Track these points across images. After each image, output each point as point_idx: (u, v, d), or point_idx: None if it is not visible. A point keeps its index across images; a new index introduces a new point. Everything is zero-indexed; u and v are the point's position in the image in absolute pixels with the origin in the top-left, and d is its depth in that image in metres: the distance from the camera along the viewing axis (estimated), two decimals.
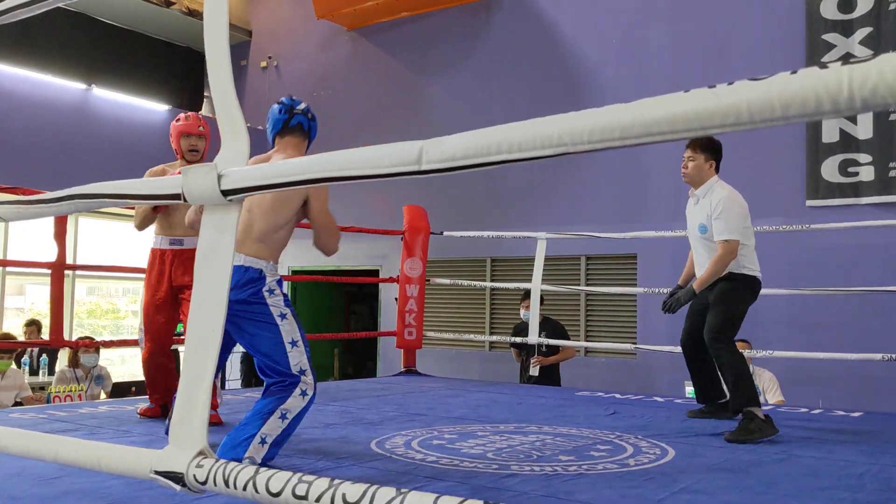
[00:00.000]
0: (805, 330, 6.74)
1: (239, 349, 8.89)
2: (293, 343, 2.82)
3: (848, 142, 7.01)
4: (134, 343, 4.70)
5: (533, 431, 3.81)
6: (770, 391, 5.68)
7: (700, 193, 4.01)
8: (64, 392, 6.19)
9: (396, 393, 5.39)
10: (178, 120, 4.15)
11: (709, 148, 3.98)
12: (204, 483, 1.40)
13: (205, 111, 11.37)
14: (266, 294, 2.83)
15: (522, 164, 1.13)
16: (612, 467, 2.98)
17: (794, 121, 0.91)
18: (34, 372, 8.00)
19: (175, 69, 11.23)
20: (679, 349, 5.78)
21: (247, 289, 2.80)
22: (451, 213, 8.70)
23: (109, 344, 6.09)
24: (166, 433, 3.06)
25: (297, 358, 2.82)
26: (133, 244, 4.91)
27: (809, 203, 7.10)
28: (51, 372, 7.85)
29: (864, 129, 6.94)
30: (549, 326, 6.81)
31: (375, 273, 9.94)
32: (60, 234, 4.70)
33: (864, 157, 6.93)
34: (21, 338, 8.04)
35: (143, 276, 4.18)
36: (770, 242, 5.91)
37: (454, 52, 9.63)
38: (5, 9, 1.95)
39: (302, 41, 11.09)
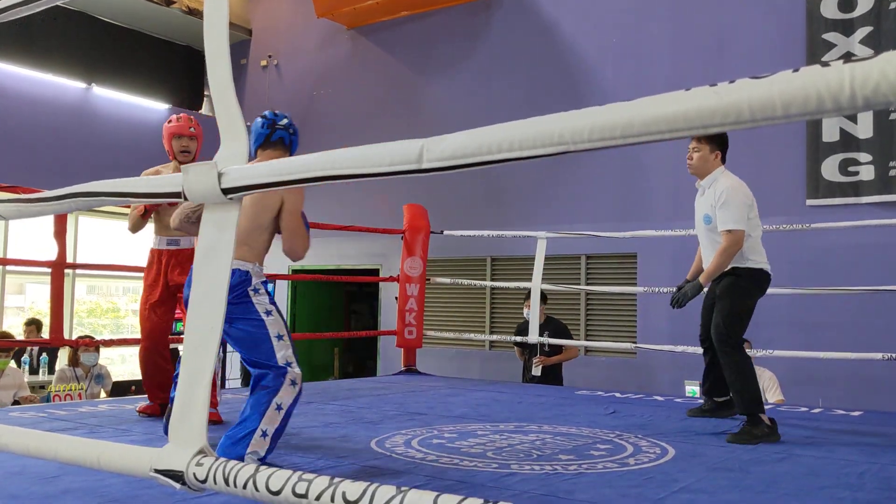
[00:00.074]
0: (805, 329, 6.74)
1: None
2: (279, 337, 2.86)
3: (848, 141, 7.01)
4: (134, 342, 4.70)
5: (533, 430, 3.81)
6: (770, 390, 5.68)
7: (706, 184, 3.95)
8: (64, 391, 6.19)
9: (396, 392, 5.39)
10: (169, 121, 4.23)
11: (714, 138, 3.91)
12: (204, 481, 1.40)
13: (205, 110, 11.37)
14: (251, 293, 2.89)
15: (523, 162, 1.13)
16: (612, 466, 2.98)
17: (795, 119, 0.90)
18: (34, 371, 8.00)
19: (175, 68, 11.23)
20: (679, 348, 5.82)
21: (234, 290, 2.84)
22: (452, 212, 8.70)
23: (109, 343, 6.09)
24: (165, 432, 3.09)
25: (284, 350, 2.84)
26: (133, 243, 4.92)
27: (809, 202, 7.10)
28: (51, 371, 7.85)
29: (864, 128, 6.93)
30: (553, 326, 6.80)
31: (376, 272, 9.94)
32: (60, 233, 4.70)
33: (864, 157, 6.93)
34: (21, 337, 8.04)
35: (143, 275, 4.21)
36: (770, 242, 5.87)
37: (454, 51, 9.62)
38: (4, 7, 1.94)
39: (302, 40, 11.08)
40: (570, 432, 3.76)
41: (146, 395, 4.20)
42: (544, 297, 6.90)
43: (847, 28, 7.08)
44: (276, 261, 11.01)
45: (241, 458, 2.68)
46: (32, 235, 9.53)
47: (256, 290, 2.91)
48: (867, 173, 6.90)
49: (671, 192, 7.83)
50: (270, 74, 11.35)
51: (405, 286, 6.68)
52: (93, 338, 6.99)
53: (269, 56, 11.35)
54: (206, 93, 11.56)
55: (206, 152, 3.72)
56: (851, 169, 6.97)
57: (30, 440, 1.73)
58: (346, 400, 4.93)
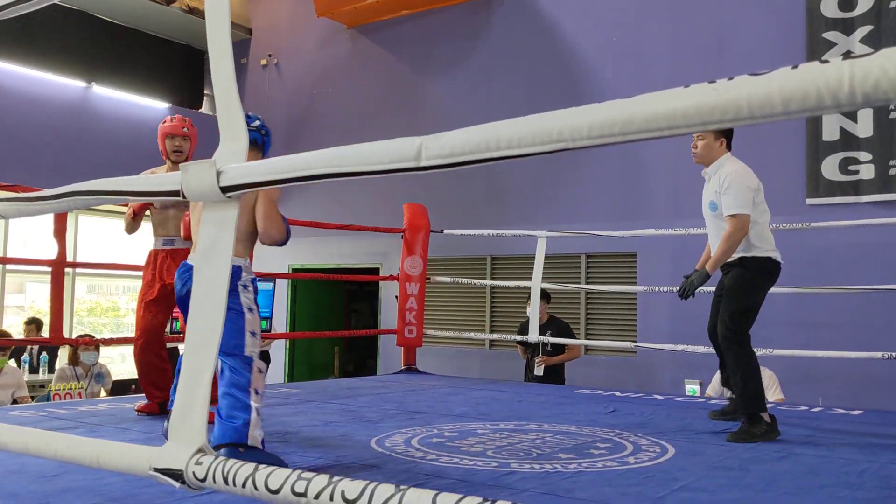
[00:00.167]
0: (805, 328, 6.74)
1: None
2: (253, 334, 2.95)
3: (848, 140, 7.01)
4: (133, 341, 4.70)
5: (533, 429, 3.81)
6: (770, 389, 5.68)
7: (711, 171, 3.88)
8: (64, 390, 6.19)
9: (397, 391, 5.39)
10: (164, 122, 4.31)
11: None
12: (203, 480, 1.40)
13: (204, 109, 11.38)
14: (241, 288, 2.99)
15: (522, 161, 1.13)
16: (612, 465, 2.98)
17: (794, 116, 0.90)
18: (34, 370, 8.00)
19: (175, 67, 11.23)
20: (679, 347, 5.82)
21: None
22: (452, 211, 8.70)
23: (109, 342, 6.10)
24: (165, 435, 3.09)
25: (252, 347, 2.94)
26: (133, 242, 4.92)
27: (809, 201, 7.10)
28: (51, 370, 7.85)
29: (864, 127, 6.93)
30: (556, 326, 6.80)
31: (376, 271, 9.94)
32: (60, 232, 4.70)
33: (864, 156, 6.93)
34: (21, 336, 8.04)
35: (142, 274, 4.25)
36: None
37: (454, 50, 9.62)
38: (4, 4, 1.94)
39: (302, 39, 11.08)
40: (570, 431, 3.76)
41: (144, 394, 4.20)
42: (547, 296, 6.90)
43: (847, 27, 7.08)
44: (277, 260, 11.04)
45: (243, 442, 2.76)
46: (32, 234, 9.53)
47: (245, 287, 3.01)
48: (867, 172, 6.90)
49: (671, 191, 7.83)
50: (270, 73, 11.34)
51: (405, 285, 6.68)
52: (93, 337, 6.99)
53: (270, 55, 11.35)
54: (205, 92, 11.56)
55: (207, 151, 3.75)
56: (851, 168, 6.97)
57: (29, 439, 1.73)
58: (347, 399, 4.93)
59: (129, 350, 10.65)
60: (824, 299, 6.54)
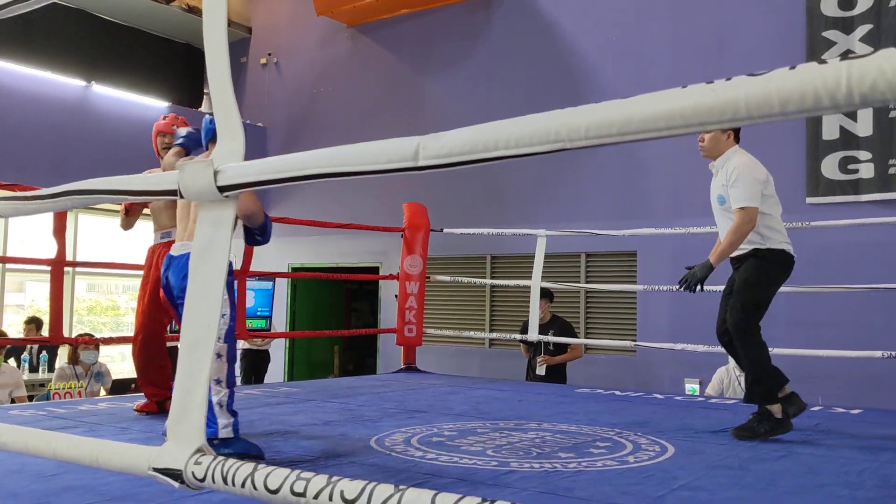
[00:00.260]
0: (805, 327, 6.74)
1: (237, 346, 8.88)
2: (222, 315, 3.01)
3: (848, 139, 7.00)
4: (133, 340, 4.70)
5: (532, 428, 3.81)
6: None
7: (718, 164, 3.80)
8: (64, 389, 6.19)
9: (396, 390, 5.39)
10: (157, 122, 4.39)
11: None
12: (202, 480, 1.40)
13: (204, 108, 11.37)
14: None
15: (522, 160, 1.13)
16: (612, 464, 2.98)
17: (792, 116, 0.90)
18: (34, 369, 8.01)
19: (174, 66, 11.23)
20: (679, 346, 5.82)
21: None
22: (452, 210, 8.70)
23: (109, 341, 6.09)
24: (165, 435, 3.11)
25: (221, 328, 3.03)
26: (133, 241, 4.93)
27: (809, 200, 7.10)
28: (51, 369, 7.85)
29: (864, 126, 6.93)
30: (558, 325, 6.80)
31: (375, 270, 9.94)
32: (60, 231, 4.70)
33: (864, 155, 6.92)
34: (21, 335, 8.04)
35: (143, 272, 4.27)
36: None
37: (454, 49, 9.62)
38: (4, 3, 1.94)
39: (302, 38, 11.08)
40: (570, 430, 3.76)
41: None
42: (551, 295, 6.90)
43: (847, 26, 7.08)
44: (277, 259, 11.04)
45: (215, 435, 2.87)
46: (31, 233, 9.54)
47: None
48: (867, 171, 6.90)
49: (671, 190, 7.83)
50: (270, 72, 11.34)
51: (405, 284, 6.68)
52: (92, 336, 6.99)
53: (269, 54, 11.35)
54: (205, 90, 11.56)
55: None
56: (851, 167, 6.97)
57: (29, 438, 1.73)
58: (346, 398, 4.93)
59: (128, 349, 10.64)
60: (824, 298, 6.54)
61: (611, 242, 7.79)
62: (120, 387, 7.17)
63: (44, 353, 8.09)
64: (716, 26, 7.81)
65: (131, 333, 4.37)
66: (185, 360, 1.49)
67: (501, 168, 8.29)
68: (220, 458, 1.40)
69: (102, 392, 6.79)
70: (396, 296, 6.81)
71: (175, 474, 1.43)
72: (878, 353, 5.08)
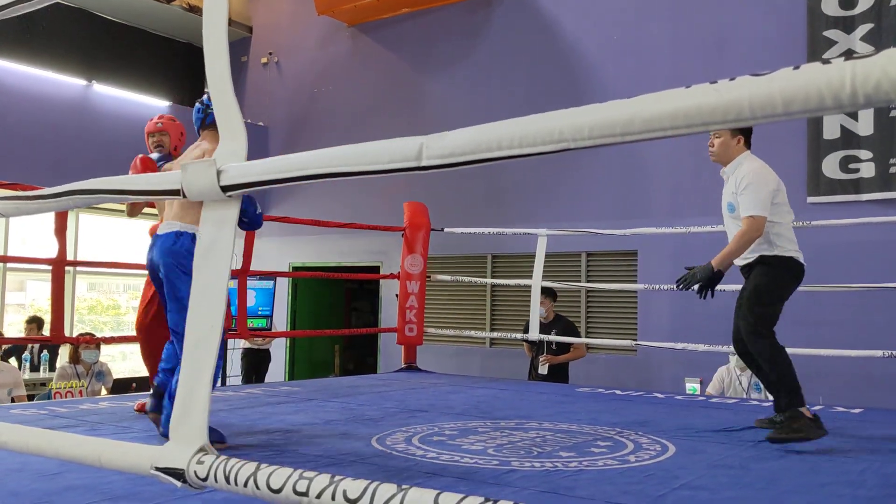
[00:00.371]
0: (806, 326, 6.73)
1: (237, 345, 8.88)
2: None
3: (849, 138, 7.00)
4: (134, 339, 4.71)
5: (533, 427, 3.81)
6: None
7: (729, 171, 3.70)
8: (65, 388, 6.20)
9: (397, 389, 5.39)
10: None
11: None
12: (205, 479, 1.40)
13: None
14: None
15: (523, 160, 1.13)
16: (613, 463, 2.98)
17: (796, 116, 0.90)
18: (35, 368, 8.01)
19: (175, 65, 11.23)
20: (680, 345, 5.82)
21: (180, 250, 3.32)
22: (452, 209, 8.70)
23: (110, 340, 6.09)
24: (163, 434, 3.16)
25: None
26: (134, 240, 4.94)
27: (810, 200, 7.10)
28: (52, 368, 7.86)
29: (864, 125, 6.93)
30: (561, 324, 6.79)
31: (376, 269, 9.95)
32: (61, 231, 4.70)
33: (864, 154, 6.93)
34: (22, 335, 8.04)
35: (144, 272, 4.25)
36: None
37: (454, 48, 9.62)
38: (5, 3, 1.94)
39: (302, 37, 11.08)
40: (571, 429, 3.76)
41: (145, 394, 4.20)
42: (554, 294, 6.90)
43: (848, 25, 7.08)
44: (278, 259, 11.03)
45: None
46: (32, 233, 9.54)
47: None
48: (868, 170, 6.90)
49: (671, 190, 7.83)
50: (271, 72, 11.34)
51: (406, 283, 6.68)
52: (93, 335, 6.99)
53: (270, 53, 11.34)
54: (206, 90, 11.55)
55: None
56: (852, 166, 6.97)
57: (31, 437, 1.73)
58: (347, 397, 4.93)
59: (129, 348, 10.66)
60: (825, 297, 6.54)
61: (611, 242, 7.80)
62: (121, 386, 7.17)
63: (45, 352, 8.09)
64: (716, 26, 7.81)
65: (132, 333, 4.37)
66: (188, 361, 1.49)
67: (502, 167, 8.30)
68: (223, 457, 1.40)
69: (103, 391, 6.79)
70: (397, 295, 6.81)
71: (177, 474, 1.44)
72: (879, 353, 5.08)
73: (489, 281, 8.16)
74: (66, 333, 6.24)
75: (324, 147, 1.41)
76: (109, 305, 11.60)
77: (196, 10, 10.58)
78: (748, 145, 3.73)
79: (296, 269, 10.43)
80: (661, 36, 8.11)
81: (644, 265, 7.98)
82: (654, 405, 4.75)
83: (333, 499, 1.21)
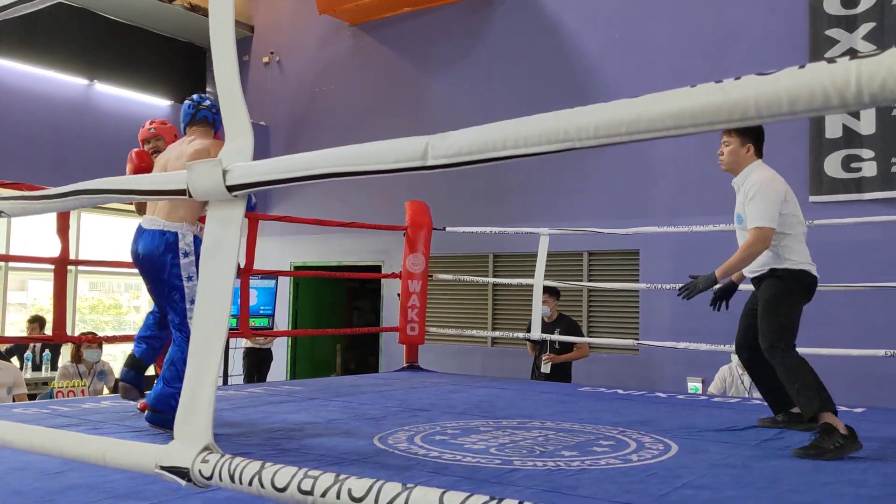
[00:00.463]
0: (807, 326, 6.68)
1: (239, 345, 8.89)
2: (193, 301, 3.32)
3: (851, 137, 7.00)
4: None
5: (536, 427, 3.81)
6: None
7: (739, 181, 3.62)
8: (67, 387, 6.20)
9: (399, 388, 5.39)
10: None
11: (744, 130, 3.51)
12: (209, 478, 1.40)
13: None
14: (181, 256, 3.39)
15: (525, 159, 1.13)
16: (615, 463, 2.99)
17: (801, 116, 0.90)
18: (37, 367, 8.02)
19: (177, 64, 11.23)
20: (682, 345, 5.82)
21: (165, 251, 3.40)
22: (454, 208, 8.70)
23: (112, 339, 6.10)
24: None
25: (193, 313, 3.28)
26: None
27: (812, 199, 7.09)
28: (53, 367, 7.86)
29: (866, 124, 6.93)
30: (565, 324, 6.79)
31: (378, 269, 9.95)
32: (63, 230, 4.70)
33: (866, 153, 6.92)
34: (24, 334, 8.05)
35: None
36: None
37: (456, 48, 9.62)
38: (7, 4, 1.94)
39: (303, 37, 11.08)
40: (573, 429, 3.77)
41: (148, 393, 4.20)
42: (558, 293, 6.90)
43: (850, 24, 7.07)
44: (280, 258, 11.02)
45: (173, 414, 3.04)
46: (33, 232, 9.54)
47: (186, 254, 3.40)
48: (869, 170, 6.90)
49: (673, 189, 7.83)
50: (272, 71, 11.34)
51: (407, 282, 6.68)
52: (95, 334, 7.00)
53: (271, 53, 11.35)
54: (207, 89, 11.56)
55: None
56: (854, 165, 6.97)
57: (35, 436, 1.73)
58: (349, 396, 4.93)
59: (131, 347, 10.66)
60: (826, 297, 6.50)
61: (613, 241, 7.80)
62: None
63: (47, 351, 8.10)
64: (718, 25, 7.80)
65: (134, 332, 4.38)
66: (193, 360, 1.50)
67: (504, 166, 8.30)
68: (228, 456, 1.40)
69: (105, 390, 6.80)
70: (399, 294, 6.82)
71: (182, 472, 1.44)
72: (881, 352, 5.08)
73: (491, 280, 8.16)
74: (68, 333, 6.25)
75: (325, 146, 1.41)
76: (111, 305, 11.60)
77: (197, 10, 10.58)
78: (759, 154, 3.65)
79: (297, 268, 10.44)
80: (663, 35, 8.11)
81: (646, 264, 7.98)
82: (656, 404, 4.75)
83: (338, 497, 1.21)
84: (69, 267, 5.11)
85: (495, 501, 1.09)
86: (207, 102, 3.78)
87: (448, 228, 6.96)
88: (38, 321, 8.01)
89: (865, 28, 6.99)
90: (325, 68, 10.81)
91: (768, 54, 7.29)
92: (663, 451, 3.23)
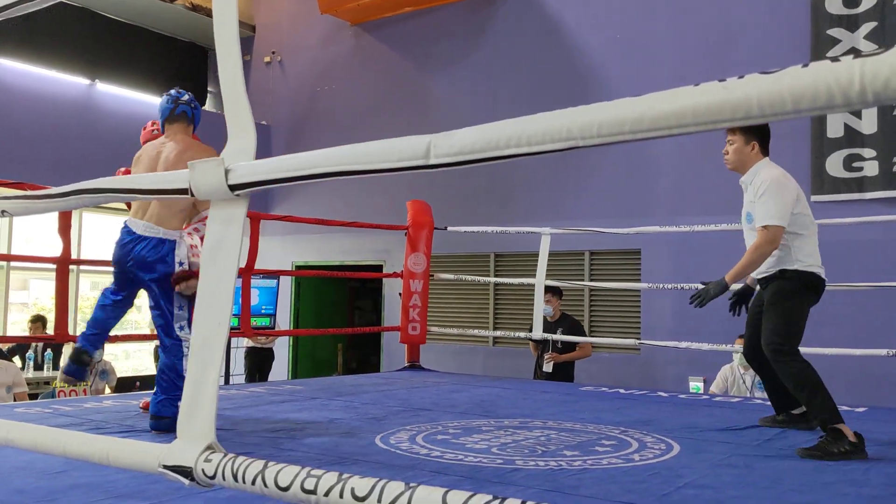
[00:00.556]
0: (808, 325, 6.71)
1: (241, 344, 8.89)
2: (181, 307, 3.41)
3: (852, 137, 7.00)
4: (137, 338, 4.72)
5: (538, 426, 3.81)
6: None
7: (747, 180, 3.55)
8: (69, 387, 6.20)
9: (400, 388, 5.39)
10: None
11: (748, 128, 3.44)
12: (213, 477, 1.40)
13: (208, 106, 11.38)
14: (178, 266, 3.43)
15: (526, 158, 1.13)
16: (617, 462, 2.98)
17: (804, 114, 0.90)
18: (39, 367, 8.02)
19: (178, 64, 11.24)
20: (683, 344, 5.81)
21: (164, 259, 3.43)
22: (455, 208, 8.70)
23: (113, 339, 6.10)
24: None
25: (181, 321, 3.41)
26: None
27: (814, 198, 7.08)
28: (55, 367, 7.87)
29: (868, 123, 6.92)
30: (567, 323, 6.79)
31: (379, 268, 9.95)
32: (65, 230, 4.71)
33: (868, 152, 6.92)
34: (26, 333, 8.06)
35: None
36: None
37: (457, 47, 9.62)
38: (8, 3, 1.95)
39: (305, 36, 11.08)
40: (575, 428, 3.76)
41: (150, 392, 4.20)
42: (560, 292, 6.90)
43: (851, 24, 7.07)
44: (281, 257, 11.02)
45: (174, 416, 3.10)
46: (35, 232, 9.55)
47: (182, 263, 3.43)
48: (871, 169, 6.89)
49: (675, 188, 7.83)
50: (274, 71, 11.35)
51: (409, 282, 6.68)
52: None
53: (273, 52, 11.35)
54: (209, 89, 11.57)
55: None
56: (856, 164, 6.96)
57: (38, 435, 1.73)
58: (351, 396, 4.93)
59: (133, 347, 10.68)
60: (828, 296, 6.48)
61: (615, 240, 7.80)
62: (124, 385, 7.19)
63: (49, 351, 8.10)
64: (720, 24, 7.80)
65: (135, 331, 4.39)
66: (195, 359, 1.50)
67: (505, 166, 8.29)
68: (231, 455, 1.40)
69: (107, 390, 6.80)
70: (400, 294, 6.82)
71: (185, 471, 1.44)
72: (883, 352, 5.07)
73: (492, 280, 8.16)
74: (70, 332, 6.25)
75: (327, 146, 1.41)
76: None
77: (199, 10, 10.58)
78: (765, 152, 3.59)
79: (299, 267, 10.44)
80: (665, 35, 8.11)
81: (647, 264, 7.97)
82: (657, 404, 4.75)
83: (342, 497, 1.21)
84: (71, 266, 5.12)
85: (498, 501, 1.10)
86: (186, 97, 3.69)
87: (449, 228, 6.96)
88: (39, 321, 8.02)
89: (867, 27, 6.99)
90: (326, 68, 10.81)
91: (769, 53, 7.29)
92: (665, 450, 3.23)
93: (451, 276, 7.52)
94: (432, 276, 6.92)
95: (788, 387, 3.41)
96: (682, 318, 7.43)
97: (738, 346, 5.20)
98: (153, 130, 4.27)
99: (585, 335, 7.02)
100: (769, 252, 3.38)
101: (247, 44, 11.51)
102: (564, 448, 3.24)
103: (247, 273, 5.58)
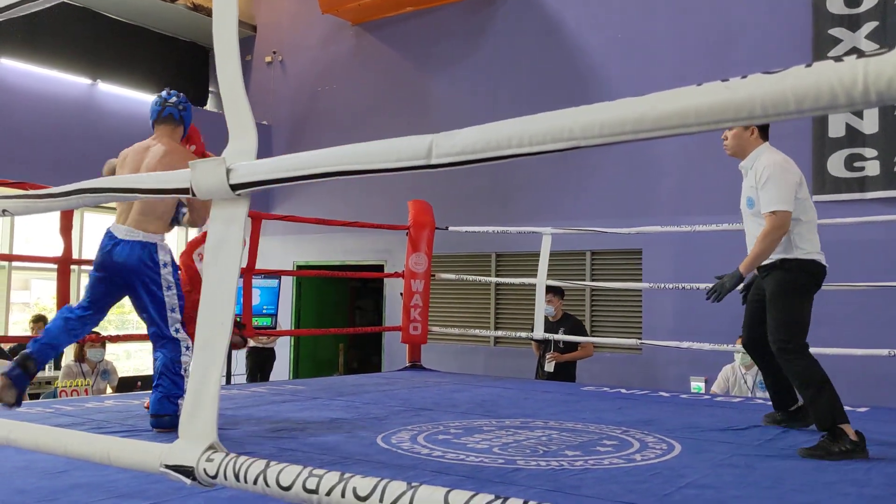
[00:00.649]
0: (809, 325, 6.72)
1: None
2: (172, 310, 3.46)
3: (854, 136, 6.99)
4: (139, 338, 4.72)
5: (539, 426, 3.81)
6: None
7: (747, 165, 3.52)
8: (70, 386, 6.21)
9: (402, 388, 5.39)
10: None
11: None
12: (214, 477, 1.40)
13: (209, 106, 11.38)
14: (161, 267, 3.46)
15: (528, 158, 1.13)
16: (619, 462, 2.98)
17: (807, 114, 0.90)
18: None
19: (179, 64, 11.24)
20: (685, 344, 5.81)
21: (147, 262, 3.44)
22: (456, 208, 8.70)
23: (115, 338, 6.11)
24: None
25: (175, 323, 3.46)
26: None
27: (815, 198, 7.02)
28: (57, 366, 7.87)
29: (870, 123, 6.92)
30: (569, 323, 6.79)
31: (380, 268, 9.95)
32: (67, 229, 4.71)
33: (869, 152, 6.91)
34: (28, 333, 8.05)
35: None
36: None
37: (458, 47, 9.62)
38: (9, 4, 1.95)
39: (306, 36, 11.09)
40: (577, 428, 3.76)
41: (151, 392, 4.20)
42: (562, 292, 6.90)
43: (853, 23, 7.06)
44: (283, 257, 11.03)
45: (175, 414, 3.25)
46: (36, 232, 9.55)
47: (165, 265, 3.47)
48: (873, 168, 6.89)
49: (676, 188, 7.82)
50: (275, 70, 11.35)
51: (410, 282, 6.68)
52: (99, 333, 6.99)
53: (274, 52, 11.36)
54: (210, 89, 11.57)
55: (210, 148, 3.83)
56: (857, 164, 6.96)
57: (40, 435, 1.73)
58: (352, 396, 4.93)
59: (134, 347, 10.68)
60: (829, 296, 6.50)
61: (616, 240, 7.79)
62: (126, 384, 7.19)
63: None
64: (721, 24, 7.80)
65: (136, 331, 4.39)
66: (198, 359, 1.50)
67: (506, 166, 8.29)
68: (233, 455, 1.40)
69: (109, 390, 6.80)
70: (402, 294, 6.82)
71: (187, 471, 1.44)
72: (885, 352, 5.07)
73: (493, 280, 8.16)
74: None
75: (328, 145, 1.41)
76: None
77: (200, 9, 10.59)
78: (765, 137, 3.56)
79: (300, 267, 10.44)
80: (665, 35, 8.11)
81: (648, 264, 7.97)
82: (659, 404, 4.75)
83: (343, 496, 1.21)
84: (72, 266, 5.12)
85: (500, 501, 1.09)
86: (174, 99, 3.71)
87: (451, 228, 6.96)
88: (41, 320, 8.01)
89: (868, 27, 6.98)
90: (327, 68, 10.81)
91: (770, 53, 7.28)
92: (666, 450, 3.23)
93: (452, 276, 7.52)
94: (433, 275, 6.92)
95: (794, 384, 3.39)
96: (684, 318, 7.43)
97: (740, 346, 5.19)
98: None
99: (587, 335, 7.01)
100: (779, 238, 3.34)
101: (248, 44, 11.51)
102: (566, 448, 3.24)
103: (248, 273, 5.58)
